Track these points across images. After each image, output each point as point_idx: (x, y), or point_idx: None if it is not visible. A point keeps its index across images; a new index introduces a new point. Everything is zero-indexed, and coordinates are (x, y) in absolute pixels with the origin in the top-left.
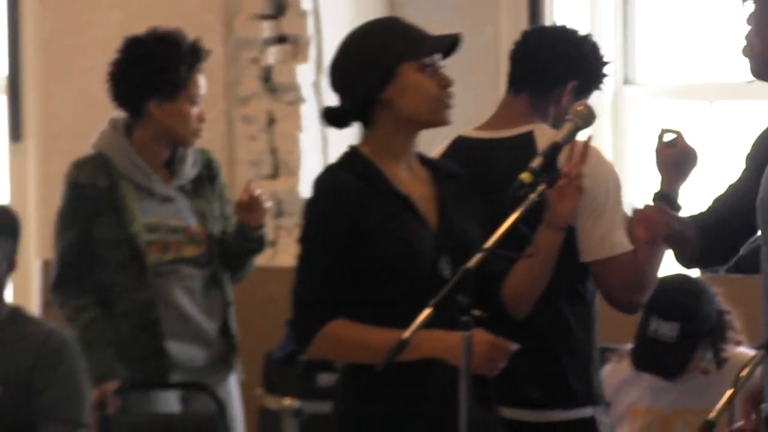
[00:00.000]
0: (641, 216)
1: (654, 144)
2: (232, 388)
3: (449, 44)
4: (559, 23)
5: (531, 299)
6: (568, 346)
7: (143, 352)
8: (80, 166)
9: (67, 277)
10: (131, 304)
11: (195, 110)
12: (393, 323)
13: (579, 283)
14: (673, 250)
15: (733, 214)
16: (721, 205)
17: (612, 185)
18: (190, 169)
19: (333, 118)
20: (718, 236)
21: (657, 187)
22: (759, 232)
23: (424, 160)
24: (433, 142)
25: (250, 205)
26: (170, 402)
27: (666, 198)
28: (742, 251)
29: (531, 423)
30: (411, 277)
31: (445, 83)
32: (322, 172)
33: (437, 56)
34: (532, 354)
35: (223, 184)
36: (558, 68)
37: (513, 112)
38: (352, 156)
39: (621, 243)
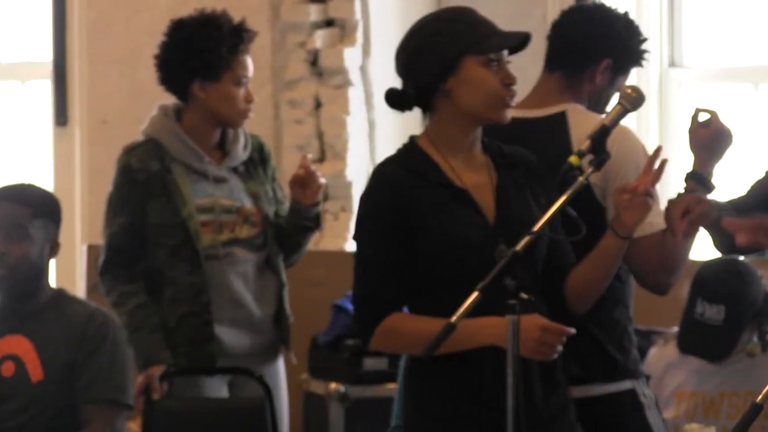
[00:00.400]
0: (679, 207)
1: (688, 124)
2: (280, 374)
3: (515, 42)
4: (606, 2)
5: (591, 299)
6: (604, 321)
7: (192, 337)
8: (131, 151)
9: (115, 263)
10: (182, 288)
11: (241, 91)
12: (444, 313)
13: None
14: (711, 236)
15: None
16: (760, 189)
17: (642, 164)
18: (242, 151)
19: (395, 100)
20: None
21: (690, 167)
22: None
23: (488, 148)
24: None
25: (305, 181)
26: (218, 388)
27: (698, 178)
28: None
29: (575, 399)
30: (464, 268)
31: (508, 80)
32: (377, 165)
33: (504, 52)
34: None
35: (274, 168)
36: (590, 46)
37: (546, 91)
38: (408, 148)
39: (651, 222)
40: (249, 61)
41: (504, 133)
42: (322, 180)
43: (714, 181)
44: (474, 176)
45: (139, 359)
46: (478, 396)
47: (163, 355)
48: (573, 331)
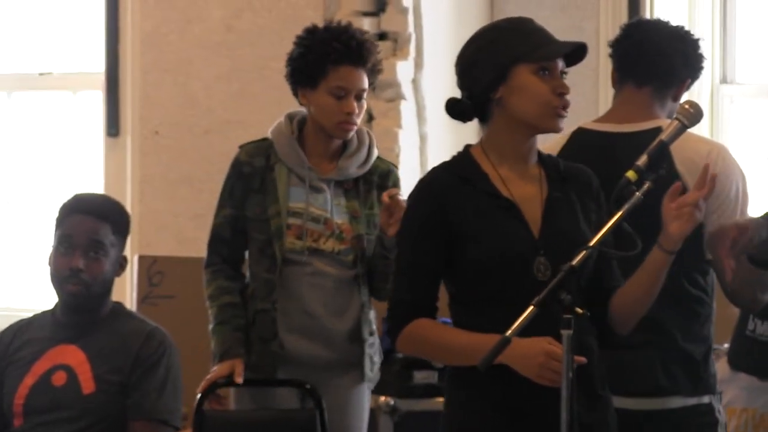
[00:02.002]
0: (724, 241)
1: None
2: (361, 397)
3: (569, 50)
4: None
5: (636, 319)
6: (696, 337)
7: (262, 335)
8: (245, 146)
9: (219, 254)
10: (259, 285)
11: (339, 103)
12: (487, 325)
13: (702, 278)
14: (748, 253)
15: None
16: None
17: (741, 183)
18: (355, 168)
19: (454, 110)
20: None
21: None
22: None
23: (544, 161)
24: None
25: (390, 209)
26: (286, 397)
27: None
28: None
29: (650, 411)
30: (502, 279)
31: (560, 90)
32: (429, 171)
33: (559, 63)
34: (660, 345)
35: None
36: (681, 64)
37: (637, 106)
38: (461, 156)
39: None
40: (354, 74)
41: (593, 146)
42: None
43: None
44: (524, 188)
45: (217, 350)
46: (510, 407)
47: (240, 351)
48: (584, 360)
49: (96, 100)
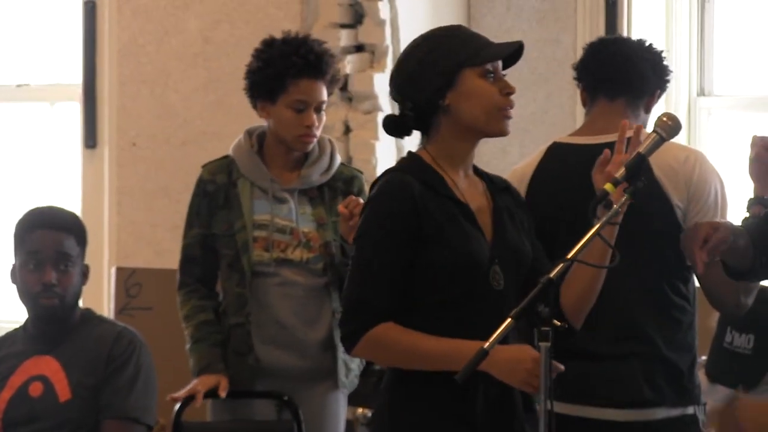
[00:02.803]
0: (698, 236)
1: (748, 152)
2: (336, 405)
3: (511, 51)
4: (636, 33)
5: (587, 310)
6: (680, 346)
7: (237, 349)
8: (207, 165)
9: (190, 274)
10: (231, 300)
11: (299, 116)
12: (440, 330)
13: (684, 285)
14: (723, 260)
15: None
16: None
17: (719, 188)
18: (317, 176)
19: (394, 126)
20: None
21: (752, 193)
22: None
23: (478, 172)
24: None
25: (352, 213)
26: (263, 408)
27: (764, 202)
28: None
29: (635, 422)
30: (464, 285)
31: (507, 90)
32: (385, 174)
33: (500, 65)
34: (643, 355)
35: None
36: (651, 75)
37: (612, 118)
38: (413, 161)
39: None
40: (314, 87)
41: (571, 160)
42: None
43: None
44: (475, 196)
45: (197, 366)
46: (470, 419)
47: (220, 367)
48: (563, 368)
49: (73, 112)
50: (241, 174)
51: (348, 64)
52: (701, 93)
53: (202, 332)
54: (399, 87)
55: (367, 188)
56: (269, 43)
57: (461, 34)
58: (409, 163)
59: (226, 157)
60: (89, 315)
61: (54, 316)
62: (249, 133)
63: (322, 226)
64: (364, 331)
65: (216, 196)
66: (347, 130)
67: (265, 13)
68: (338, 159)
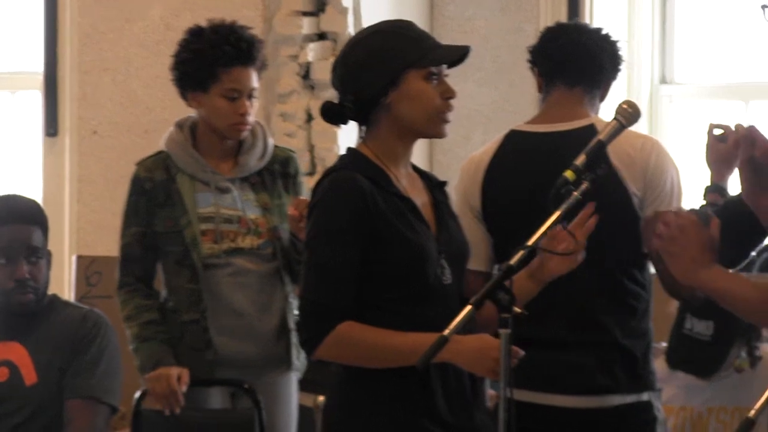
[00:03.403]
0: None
1: (704, 139)
2: (289, 388)
3: (458, 55)
4: (598, 21)
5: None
6: (635, 333)
7: (192, 345)
8: (142, 163)
9: (131, 274)
10: (182, 297)
11: (232, 104)
12: (395, 326)
13: (640, 273)
14: None
15: (742, 216)
16: (732, 205)
17: (675, 176)
18: (255, 162)
19: (331, 114)
20: (725, 238)
21: (708, 181)
22: None
23: (414, 168)
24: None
25: (302, 215)
26: (219, 398)
27: (719, 190)
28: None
29: (590, 409)
30: (417, 280)
31: (448, 94)
32: (329, 173)
33: (444, 67)
34: (599, 342)
35: (301, 184)
36: (608, 64)
37: (570, 106)
38: (356, 157)
39: None
40: (245, 74)
41: (528, 148)
42: None
43: (731, 192)
44: (417, 191)
45: (148, 363)
46: (429, 411)
47: (172, 362)
48: (523, 352)
49: (35, 100)
50: (179, 169)
51: (310, 52)
52: (663, 80)
53: (149, 331)
54: (341, 78)
55: (302, 168)
56: (197, 33)
57: (410, 33)
58: (352, 159)
59: (160, 152)
60: (56, 301)
61: (28, 310)
62: (179, 125)
63: (268, 210)
64: (326, 333)
65: (155, 193)
66: (309, 118)
67: (226, 1)
68: (271, 142)
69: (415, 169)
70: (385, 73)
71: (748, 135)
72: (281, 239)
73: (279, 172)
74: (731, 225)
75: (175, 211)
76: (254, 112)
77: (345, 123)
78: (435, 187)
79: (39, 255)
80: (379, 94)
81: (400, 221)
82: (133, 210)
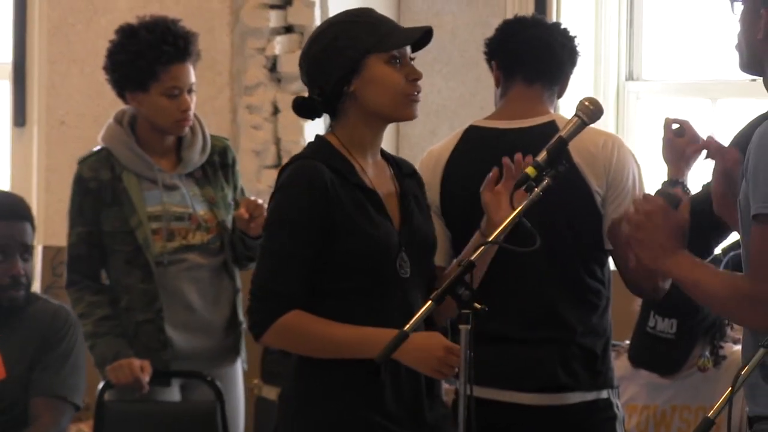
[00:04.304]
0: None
1: (661, 134)
2: (236, 378)
3: (417, 37)
4: (565, 17)
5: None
6: (595, 330)
7: (147, 345)
8: (84, 161)
9: (79, 273)
10: (136, 296)
11: (174, 102)
12: (348, 317)
13: (600, 269)
14: None
15: (702, 215)
16: (694, 204)
17: (636, 172)
18: (198, 156)
19: (303, 108)
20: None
21: (666, 176)
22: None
23: (385, 156)
24: (437, 134)
25: (252, 216)
26: (169, 391)
27: (677, 185)
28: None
29: (550, 406)
30: (372, 273)
31: (413, 76)
32: (293, 161)
33: (407, 50)
34: (559, 340)
35: (238, 172)
36: (567, 60)
37: (529, 102)
38: (321, 146)
39: None
40: (183, 70)
41: (487, 143)
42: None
43: (689, 186)
44: (383, 181)
45: (108, 354)
46: (378, 404)
47: (130, 353)
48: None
49: (3, 90)
50: (123, 167)
51: (277, 45)
52: (630, 77)
53: (104, 327)
54: (306, 73)
55: (268, 161)
56: (132, 33)
57: (368, 19)
58: (318, 149)
59: (101, 149)
60: (32, 296)
61: (16, 306)
62: (118, 121)
63: (215, 204)
64: (273, 319)
65: (101, 193)
66: (276, 110)
67: None
68: (208, 134)
69: (387, 156)
70: (345, 62)
71: (719, 148)
72: (227, 232)
73: (219, 162)
74: (692, 222)
75: (123, 211)
76: (194, 106)
77: (318, 117)
78: (404, 176)
79: (30, 252)
80: (342, 83)
81: (360, 213)
82: (77, 210)
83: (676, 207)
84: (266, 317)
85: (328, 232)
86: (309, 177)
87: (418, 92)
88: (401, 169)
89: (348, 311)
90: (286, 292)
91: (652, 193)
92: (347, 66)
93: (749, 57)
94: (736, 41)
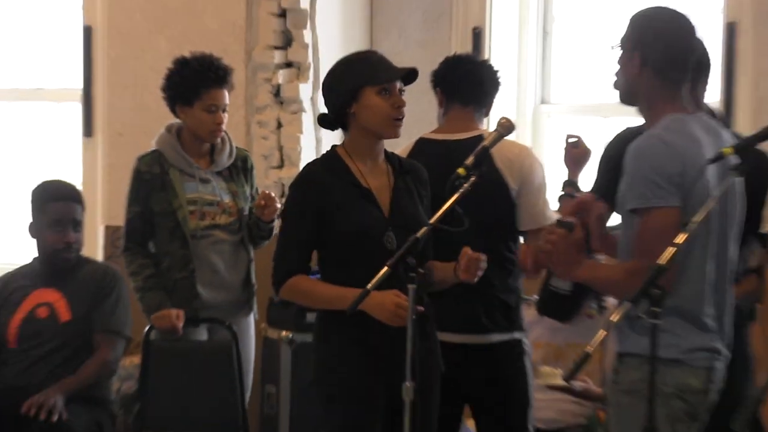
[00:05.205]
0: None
1: (563, 145)
2: (249, 325)
3: (403, 74)
4: (495, 56)
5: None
6: (509, 288)
7: (183, 295)
8: (141, 158)
9: (133, 241)
10: (176, 260)
11: (211, 116)
12: (350, 281)
13: (514, 244)
14: None
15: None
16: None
17: (542, 176)
18: (226, 159)
19: (324, 122)
20: None
21: (565, 177)
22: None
23: (389, 158)
24: (400, 144)
25: (266, 205)
26: (199, 332)
27: (573, 184)
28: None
29: (476, 344)
30: (361, 247)
31: (397, 104)
32: (304, 166)
33: (398, 83)
34: (483, 295)
35: (254, 175)
36: (491, 88)
37: (464, 120)
38: (329, 154)
39: (550, 217)
40: (220, 94)
41: (437, 151)
42: (278, 204)
43: (581, 185)
44: (377, 179)
45: (152, 307)
46: (366, 342)
47: (169, 305)
48: (422, 308)
49: (75, 109)
50: (170, 164)
51: (280, 77)
52: (543, 101)
53: (150, 283)
54: (323, 96)
55: (273, 162)
56: (184, 63)
57: (369, 59)
58: (324, 156)
59: (154, 151)
60: (83, 258)
61: (68, 265)
62: (168, 129)
63: (236, 196)
64: (283, 282)
65: (153, 182)
66: (279, 125)
67: (219, 40)
68: (234, 144)
69: (391, 158)
70: (347, 91)
71: (591, 205)
72: (245, 217)
73: (241, 166)
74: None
75: (168, 197)
76: (226, 122)
77: (334, 129)
78: (402, 173)
79: (79, 226)
80: (345, 107)
81: (347, 203)
82: (134, 194)
83: (572, 231)
84: (279, 281)
85: (322, 218)
86: (306, 178)
87: (402, 117)
88: (402, 167)
89: (350, 275)
90: (291, 260)
91: (556, 199)
92: (348, 94)
93: (626, 91)
94: (614, 79)
